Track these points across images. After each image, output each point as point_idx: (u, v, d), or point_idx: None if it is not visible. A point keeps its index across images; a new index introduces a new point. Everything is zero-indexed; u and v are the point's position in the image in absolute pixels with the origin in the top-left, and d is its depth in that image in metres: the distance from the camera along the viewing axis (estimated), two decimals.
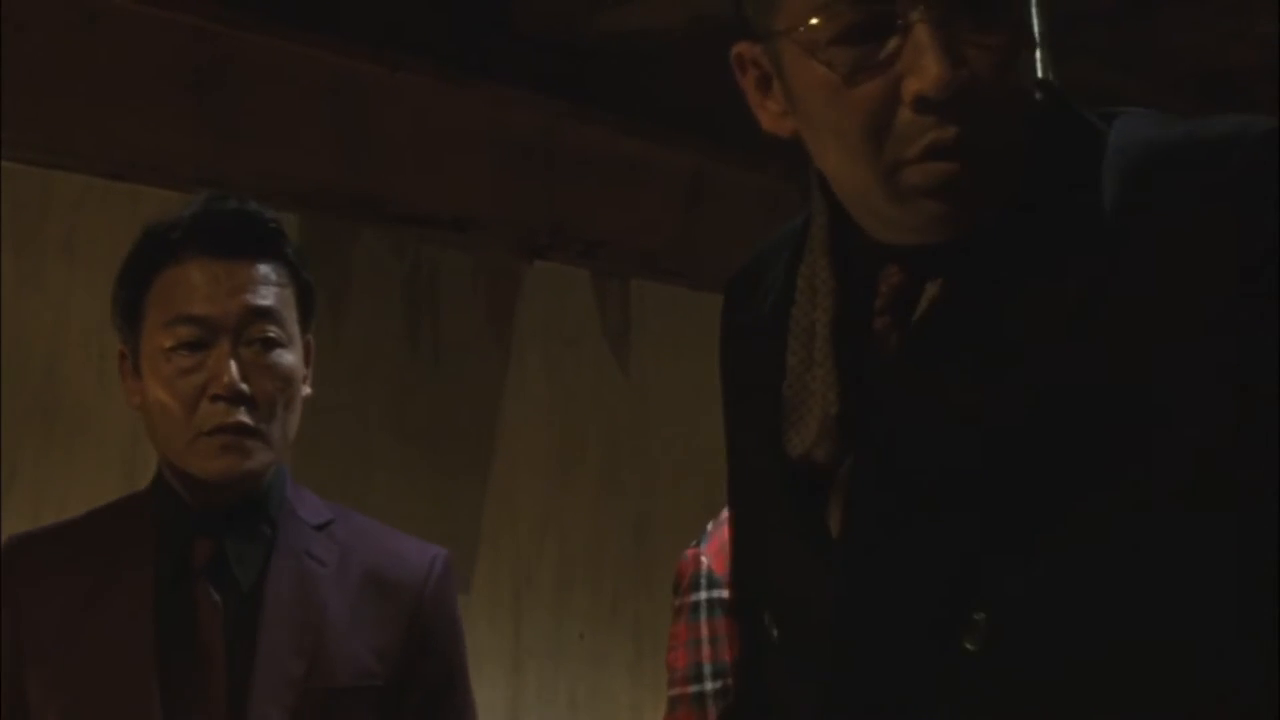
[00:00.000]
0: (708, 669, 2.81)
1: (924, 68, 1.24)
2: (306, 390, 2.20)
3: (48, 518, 2.40)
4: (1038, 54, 1.27)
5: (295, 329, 2.17)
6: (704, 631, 2.83)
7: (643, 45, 4.64)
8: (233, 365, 2.10)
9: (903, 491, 1.33)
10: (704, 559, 2.85)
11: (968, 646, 1.29)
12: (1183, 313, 1.22)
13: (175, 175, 3.99)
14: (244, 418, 2.11)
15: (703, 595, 2.84)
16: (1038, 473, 1.27)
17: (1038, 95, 1.35)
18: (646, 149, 4.99)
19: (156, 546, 2.16)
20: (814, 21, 1.27)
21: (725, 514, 2.93)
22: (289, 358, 2.15)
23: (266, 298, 2.14)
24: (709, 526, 2.92)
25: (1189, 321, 1.22)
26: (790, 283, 1.47)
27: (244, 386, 2.10)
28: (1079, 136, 1.34)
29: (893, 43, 1.26)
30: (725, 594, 2.83)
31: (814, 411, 1.40)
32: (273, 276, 2.15)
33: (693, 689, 2.82)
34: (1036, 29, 1.37)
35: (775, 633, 1.49)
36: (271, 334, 2.14)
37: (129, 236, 3.93)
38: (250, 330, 2.13)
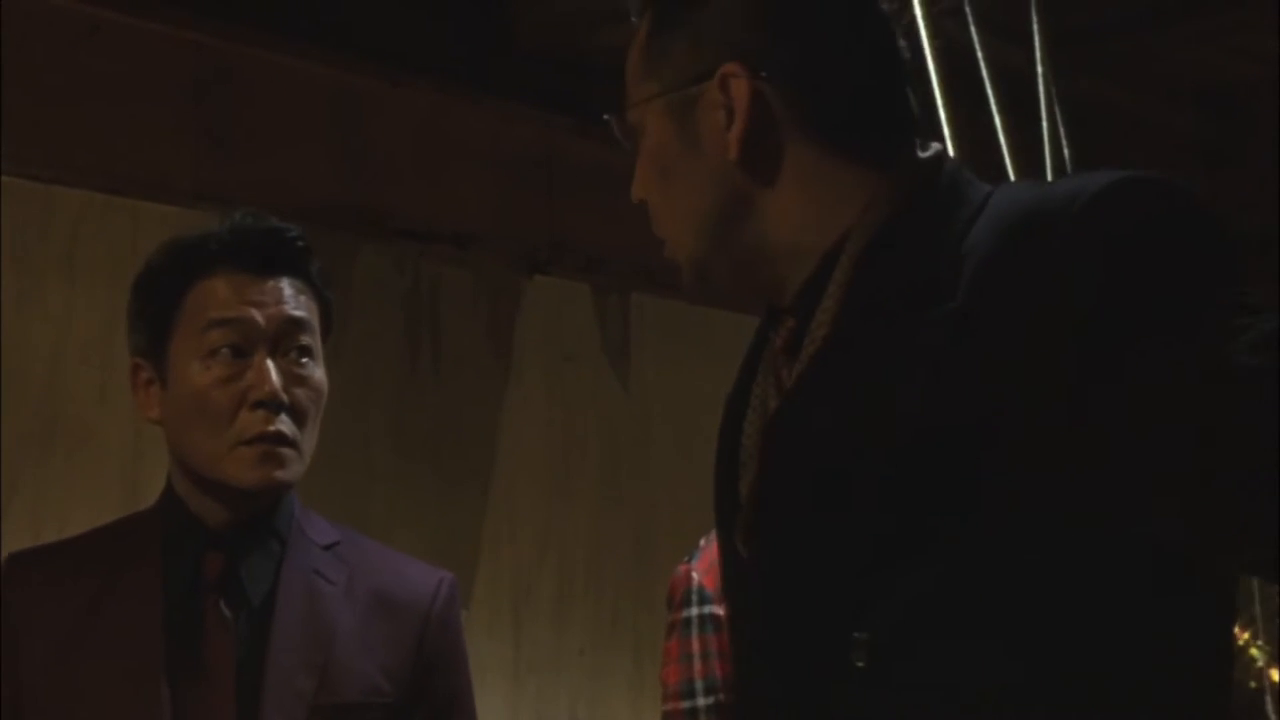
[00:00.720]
0: (699, 685, 2.82)
1: None
2: None
3: (48, 533, 2.40)
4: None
5: (320, 346, 2.19)
6: (696, 647, 2.83)
7: None
8: (274, 372, 2.10)
9: (791, 517, 1.49)
10: (695, 575, 2.85)
11: (857, 664, 1.41)
12: (1027, 354, 1.35)
13: (175, 191, 4.00)
14: (283, 426, 2.11)
15: (694, 611, 2.84)
16: (906, 499, 1.40)
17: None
18: None
19: (164, 561, 2.15)
20: None
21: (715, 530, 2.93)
22: (319, 372, 2.17)
23: (300, 309, 2.15)
24: (701, 542, 2.92)
25: (1033, 361, 1.34)
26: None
27: (285, 395, 2.11)
28: (960, 200, 1.48)
29: None
30: (717, 610, 2.83)
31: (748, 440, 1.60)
32: (302, 292, 2.17)
33: (685, 705, 2.83)
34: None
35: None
36: (306, 343, 2.15)
37: (129, 252, 3.95)
38: (286, 340, 2.14)
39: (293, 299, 2.15)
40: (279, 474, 2.12)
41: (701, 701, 2.82)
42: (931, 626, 1.40)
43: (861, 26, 1.57)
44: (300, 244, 2.19)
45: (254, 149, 4.16)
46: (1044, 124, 3.25)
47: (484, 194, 4.68)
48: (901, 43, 1.61)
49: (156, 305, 2.17)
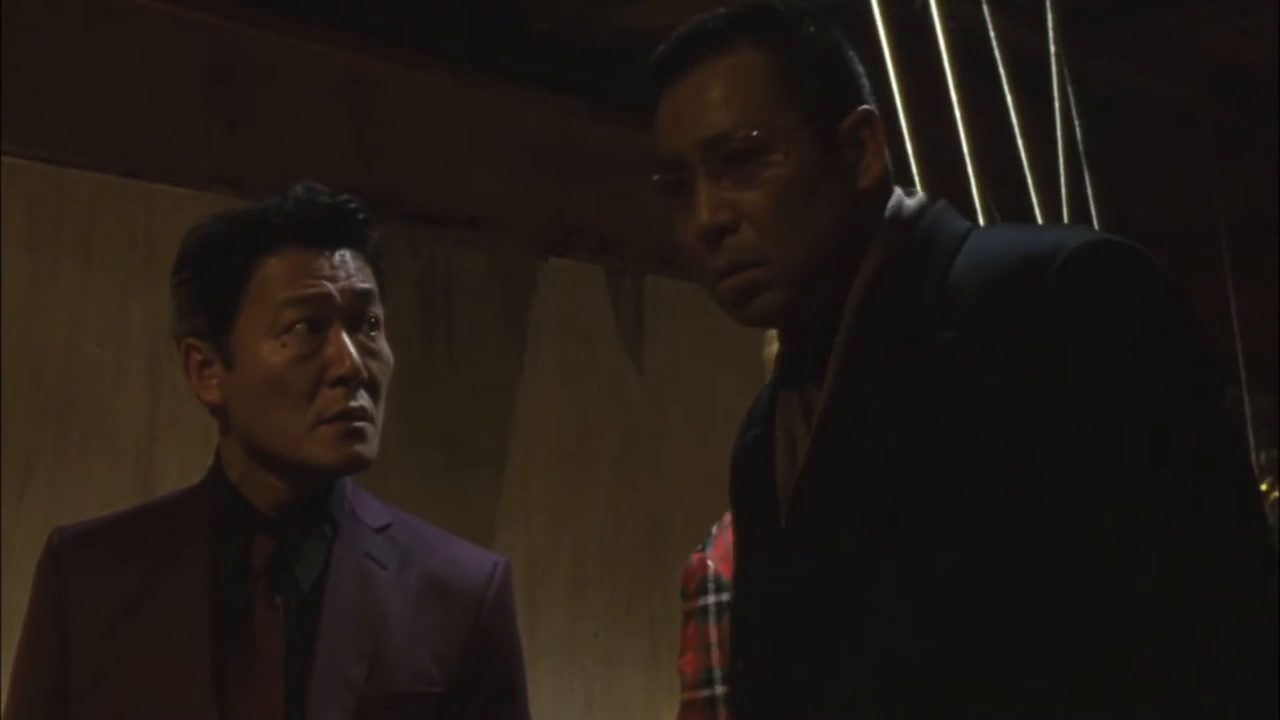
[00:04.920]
0: (718, 673, 2.81)
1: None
2: None
3: (63, 516, 2.38)
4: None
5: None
6: (713, 636, 2.82)
7: (657, 44, 4.63)
8: (352, 347, 2.07)
9: (830, 507, 1.69)
10: (710, 563, 2.84)
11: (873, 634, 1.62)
12: (1017, 380, 1.57)
13: (190, 174, 4.00)
14: (363, 402, 2.06)
15: (710, 599, 2.83)
16: (924, 494, 1.60)
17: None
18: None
19: (212, 544, 2.10)
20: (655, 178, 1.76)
21: (728, 517, 2.93)
22: (386, 344, 2.14)
23: (368, 281, 2.12)
24: (714, 530, 2.91)
25: (1022, 386, 1.57)
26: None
27: (364, 370, 2.09)
28: (937, 240, 1.71)
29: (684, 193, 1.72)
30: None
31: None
32: (366, 264, 2.14)
33: (704, 693, 2.82)
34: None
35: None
36: (376, 314, 2.11)
37: (143, 235, 3.96)
38: (358, 314, 2.09)
39: (359, 272, 2.10)
40: (362, 450, 2.06)
41: (720, 690, 2.80)
42: (939, 610, 1.59)
43: None
44: (361, 216, 2.15)
45: (268, 132, 4.16)
46: (1056, 105, 3.24)
47: (498, 177, 4.68)
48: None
49: (220, 284, 2.10)
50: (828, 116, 1.71)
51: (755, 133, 1.68)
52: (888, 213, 1.72)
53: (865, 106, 1.73)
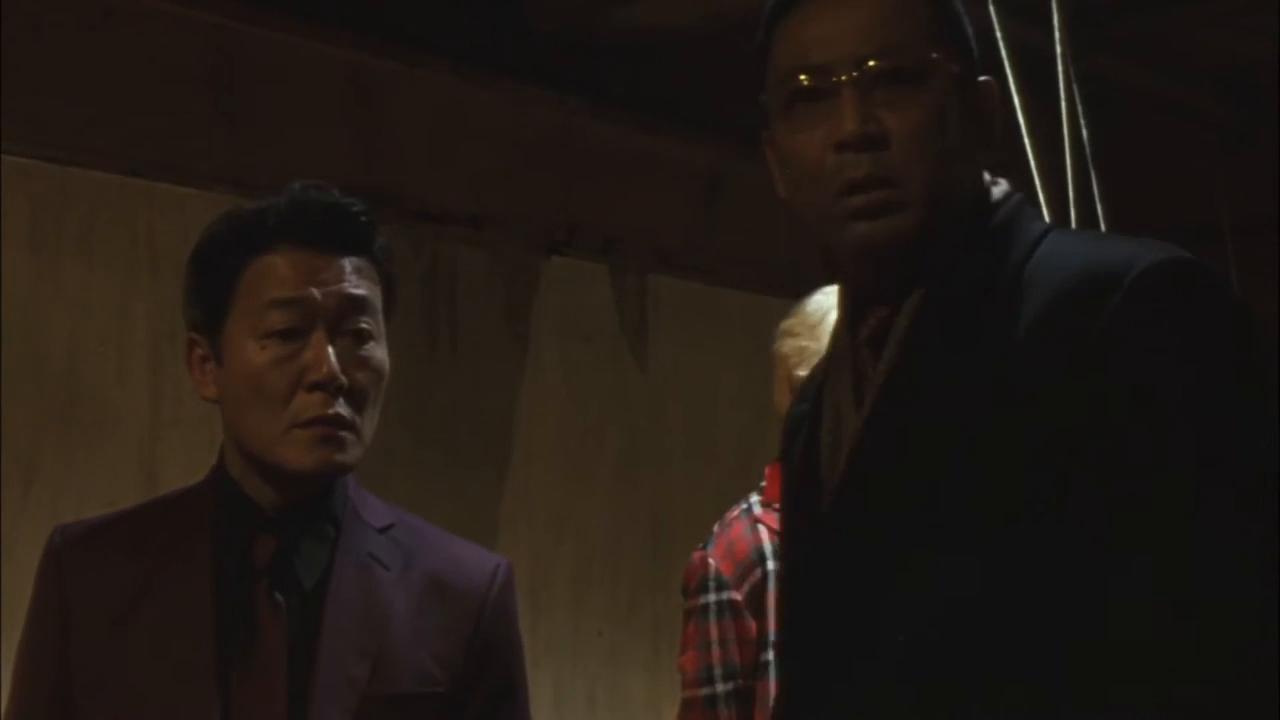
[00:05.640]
0: (719, 671, 2.80)
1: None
2: None
3: (66, 515, 2.38)
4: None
5: (383, 325, 2.14)
6: (714, 634, 2.81)
7: (659, 43, 4.63)
8: (332, 354, 2.05)
9: (878, 494, 1.69)
10: (712, 561, 2.84)
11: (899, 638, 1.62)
12: (1079, 390, 1.58)
13: (192, 172, 4.00)
14: (341, 409, 2.05)
15: (711, 597, 2.83)
16: (976, 489, 1.61)
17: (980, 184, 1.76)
18: (663, 145, 4.99)
19: (214, 542, 2.10)
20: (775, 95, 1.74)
21: (730, 515, 2.93)
22: (380, 352, 2.11)
23: (361, 289, 2.09)
24: (715, 529, 2.91)
25: (1082, 396, 1.58)
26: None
27: (343, 377, 2.07)
28: (1015, 237, 1.72)
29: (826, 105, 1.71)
30: (735, 595, 2.82)
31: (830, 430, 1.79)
32: (364, 270, 2.11)
33: (704, 691, 2.82)
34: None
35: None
36: (366, 326, 2.09)
37: (146, 234, 3.96)
38: (345, 321, 2.07)
39: (354, 277, 2.08)
40: (337, 457, 2.06)
41: (720, 688, 2.80)
42: (973, 611, 1.60)
43: None
44: (364, 219, 2.13)
45: (271, 131, 4.16)
46: (1063, 104, 3.24)
47: (501, 176, 4.68)
48: None
49: (214, 280, 2.10)
50: (974, 70, 1.74)
51: (920, 56, 1.68)
52: (976, 193, 1.74)
53: (990, 79, 1.77)
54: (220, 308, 2.09)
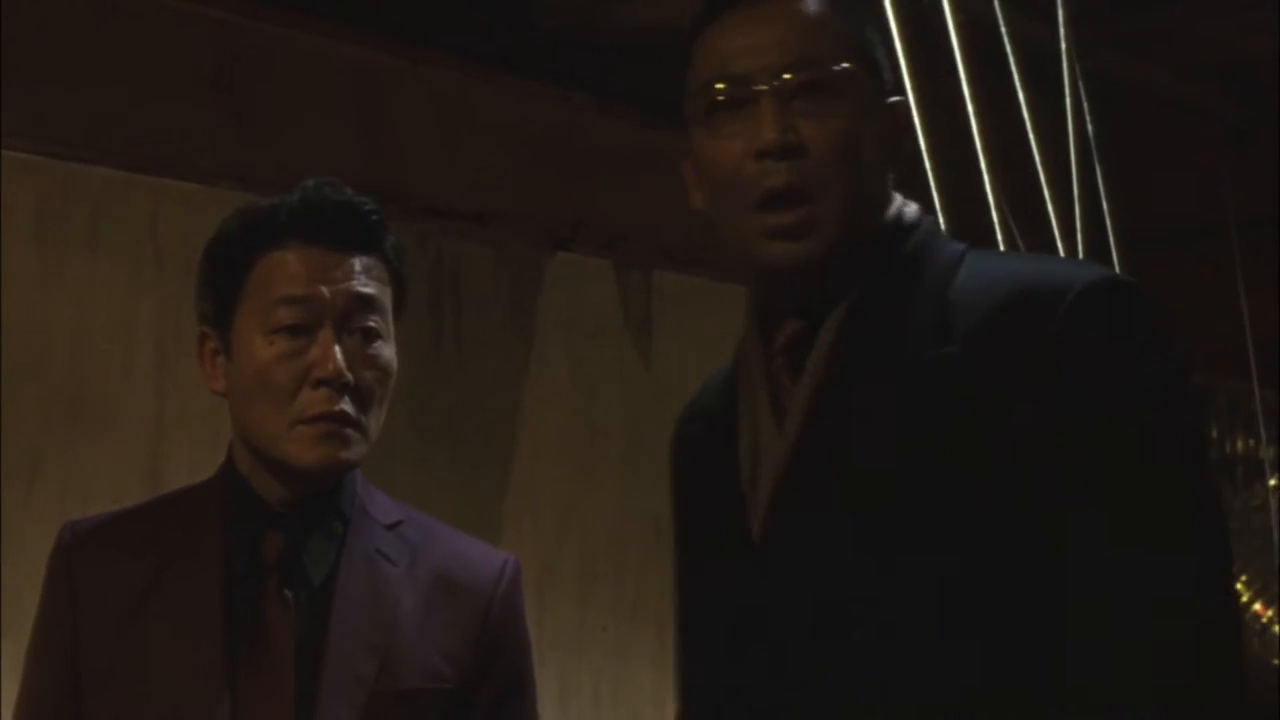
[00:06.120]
0: None
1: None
2: None
3: (71, 511, 2.38)
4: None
5: (392, 324, 2.14)
6: None
7: (664, 39, 4.62)
8: (338, 352, 2.06)
9: (812, 514, 1.69)
10: None
11: (854, 639, 1.62)
12: (1018, 400, 1.61)
13: (197, 169, 4.00)
14: (346, 407, 2.06)
15: None
16: (913, 502, 1.62)
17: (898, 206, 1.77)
18: (668, 141, 4.98)
19: (223, 538, 2.11)
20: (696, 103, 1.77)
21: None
22: (388, 351, 2.12)
23: (370, 287, 2.10)
24: None
25: (1022, 405, 1.61)
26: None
27: (349, 375, 2.07)
28: (931, 257, 1.73)
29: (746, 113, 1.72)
30: None
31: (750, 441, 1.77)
32: (374, 269, 2.12)
33: None
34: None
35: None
36: (374, 324, 2.10)
37: (151, 230, 3.96)
38: (353, 319, 2.08)
39: (363, 276, 2.10)
40: (341, 454, 2.07)
41: None
42: (925, 614, 1.61)
43: None
44: (375, 218, 2.14)
45: (276, 127, 4.16)
46: (1068, 100, 3.24)
47: (505, 171, 4.68)
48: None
49: (225, 275, 2.12)
50: (888, 87, 1.77)
51: (837, 69, 1.71)
52: (890, 214, 1.76)
53: (903, 99, 1.81)
54: (231, 302, 2.10)
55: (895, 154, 1.77)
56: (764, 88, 1.71)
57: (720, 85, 1.74)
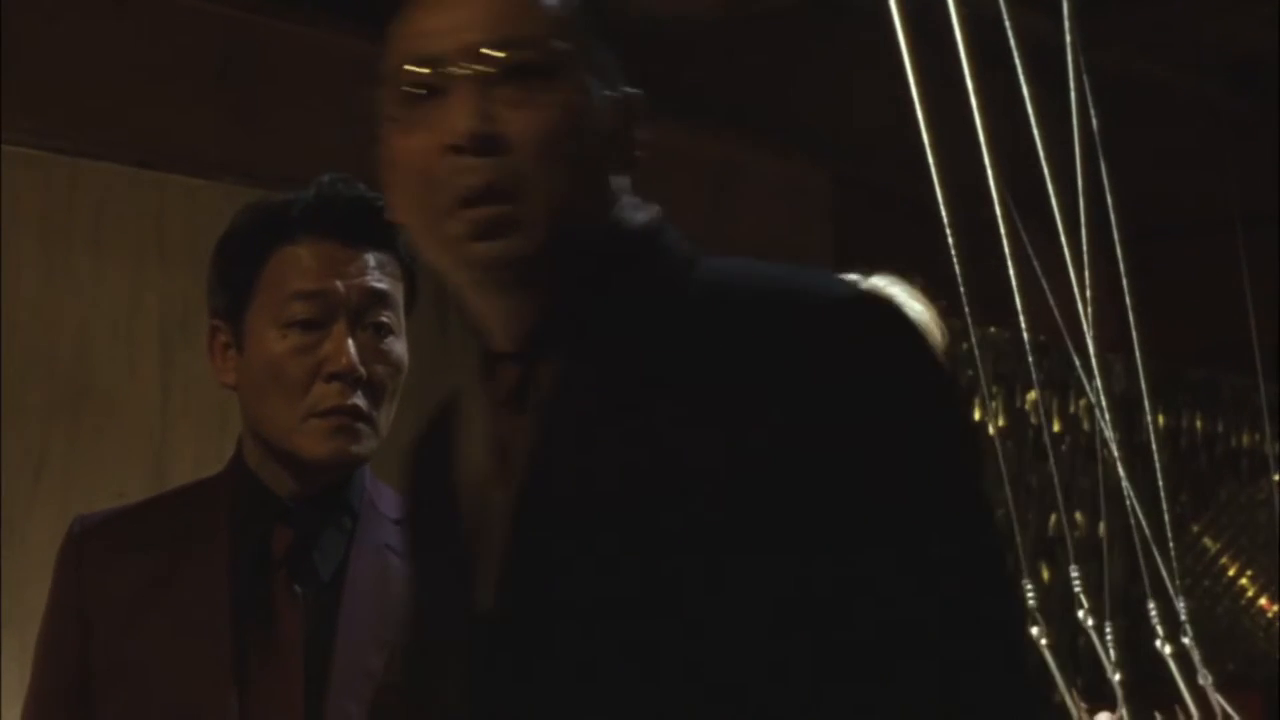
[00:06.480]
0: None
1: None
2: None
3: (77, 506, 2.39)
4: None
5: (403, 319, 2.16)
6: None
7: (671, 33, 4.63)
8: (352, 346, 2.07)
9: (548, 568, 1.46)
10: None
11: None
12: (761, 426, 1.39)
13: (202, 163, 4.00)
14: (359, 401, 2.07)
15: None
16: (654, 544, 1.40)
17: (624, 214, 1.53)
18: (675, 136, 4.99)
19: (232, 533, 2.12)
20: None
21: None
22: (400, 347, 2.14)
23: (383, 283, 2.11)
24: None
25: (766, 435, 1.39)
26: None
27: (362, 369, 2.07)
28: (671, 259, 1.52)
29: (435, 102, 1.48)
30: None
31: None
32: (387, 264, 2.13)
33: None
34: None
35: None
36: (386, 319, 2.12)
37: (156, 224, 3.96)
38: (367, 314, 2.10)
39: (376, 271, 2.11)
40: (353, 448, 2.08)
41: None
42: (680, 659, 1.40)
43: None
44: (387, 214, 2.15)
45: (280, 121, 4.16)
46: (1072, 94, 3.23)
47: None
48: None
49: (238, 269, 2.13)
50: (612, 74, 1.55)
51: (550, 52, 1.49)
52: (614, 220, 1.53)
53: (639, 92, 1.57)
54: (244, 296, 2.11)
55: (622, 151, 1.53)
56: (460, 71, 1.48)
57: (410, 67, 1.53)
